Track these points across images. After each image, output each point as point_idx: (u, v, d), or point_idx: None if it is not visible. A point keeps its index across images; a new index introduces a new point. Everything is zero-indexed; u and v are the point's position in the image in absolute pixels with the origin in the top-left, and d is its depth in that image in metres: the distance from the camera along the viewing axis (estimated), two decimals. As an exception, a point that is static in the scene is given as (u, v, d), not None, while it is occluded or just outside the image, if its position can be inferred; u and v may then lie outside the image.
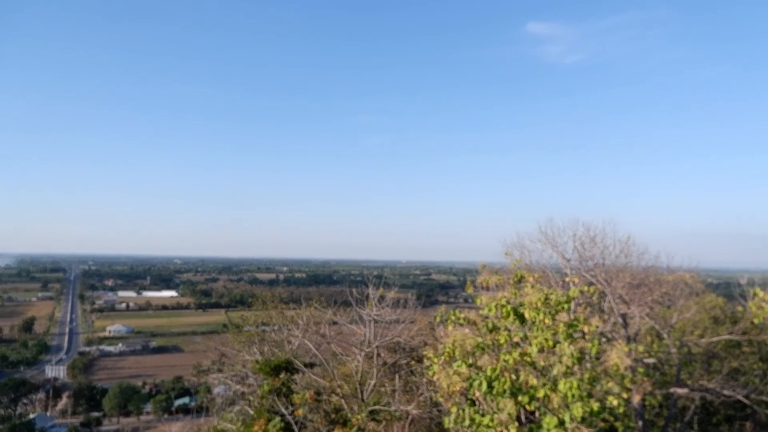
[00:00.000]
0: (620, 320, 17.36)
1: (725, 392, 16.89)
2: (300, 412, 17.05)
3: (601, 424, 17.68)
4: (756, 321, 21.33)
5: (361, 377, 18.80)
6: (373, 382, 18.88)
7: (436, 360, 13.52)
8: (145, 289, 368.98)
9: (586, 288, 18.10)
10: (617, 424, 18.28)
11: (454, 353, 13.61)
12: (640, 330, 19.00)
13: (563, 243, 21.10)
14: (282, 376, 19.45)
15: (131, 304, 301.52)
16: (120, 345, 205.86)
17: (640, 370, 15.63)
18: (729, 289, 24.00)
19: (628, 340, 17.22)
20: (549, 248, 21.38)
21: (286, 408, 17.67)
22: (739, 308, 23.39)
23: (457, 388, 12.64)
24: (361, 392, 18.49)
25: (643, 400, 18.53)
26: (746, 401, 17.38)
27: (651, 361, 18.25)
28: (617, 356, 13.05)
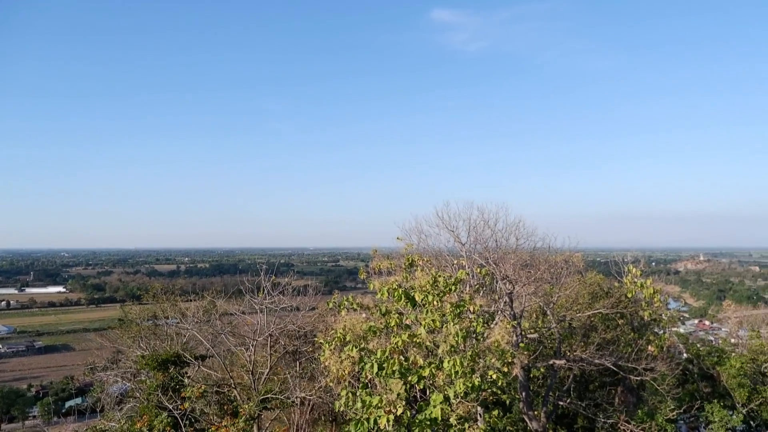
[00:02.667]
0: (507, 299, 18.26)
1: (597, 361, 18.37)
2: (186, 405, 16.36)
3: (490, 398, 18.67)
4: (629, 295, 23.43)
5: (254, 367, 18.37)
6: (266, 371, 18.52)
7: (327, 345, 13.52)
8: (28, 285, 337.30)
9: (477, 270, 18.95)
10: (504, 396, 19.45)
11: (345, 338, 13.70)
12: (525, 308, 20.17)
13: (458, 227, 21.75)
14: (171, 370, 18.57)
15: (12, 302, 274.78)
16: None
17: (522, 345, 16.63)
18: (614, 266, 25.96)
19: (514, 317, 18.19)
20: (445, 232, 21.96)
21: (175, 403, 16.89)
22: (615, 284, 25.62)
23: (347, 371, 12.70)
24: (254, 382, 18.08)
25: (528, 372, 19.76)
26: (614, 368, 19.02)
27: (534, 336, 19.42)
28: (499, 333, 13.77)
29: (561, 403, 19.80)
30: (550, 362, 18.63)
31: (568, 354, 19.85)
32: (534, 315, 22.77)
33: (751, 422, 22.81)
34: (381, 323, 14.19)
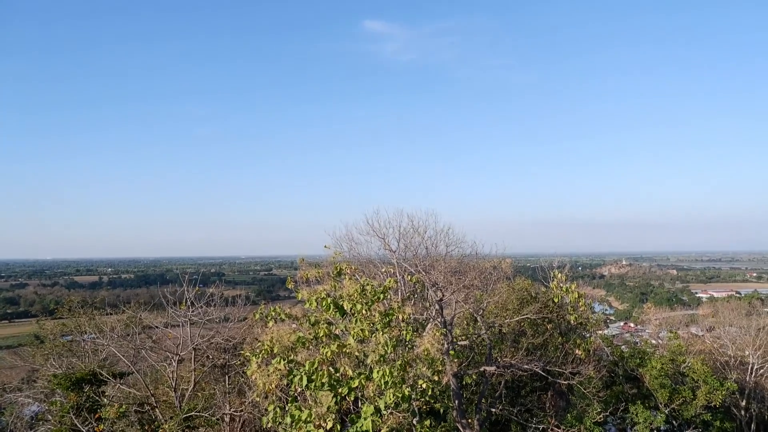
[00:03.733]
0: (437, 306, 18.25)
1: (526, 366, 18.67)
2: (101, 427, 15.21)
3: (423, 407, 18.53)
4: (555, 300, 24.10)
5: (177, 383, 17.38)
6: (191, 387, 17.56)
7: (254, 358, 12.92)
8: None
9: (408, 277, 18.87)
10: (437, 405, 19.38)
11: (272, 350, 13.15)
12: (456, 315, 20.27)
13: (389, 234, 21.62)
14: (86, 389, 17.27)
15: None
16: None
17: (452, 353, 16.63)
18: (541, 272, 26.53)
19: (445, 324, 18.20)
20: (376, 239, 21.78)
21: (90, 425, 15.68)
22: (543, 289, 26.32)
23: (274, 385, 12.16)
24: (178, 399, 17.09)
25: (460, 379, 19.82)
26: (542, 373, 19.40)
27: (465, 343, 19.52)
28: (428, 341, 13.65)
29: (493, 409, 19.98)
30: (482, 369, 18.76)
31: (499, 360, 20.07)
32: (465, 322, 22.95)
33: (674, 422, 23.90)
34: (310, 334, 13.79)
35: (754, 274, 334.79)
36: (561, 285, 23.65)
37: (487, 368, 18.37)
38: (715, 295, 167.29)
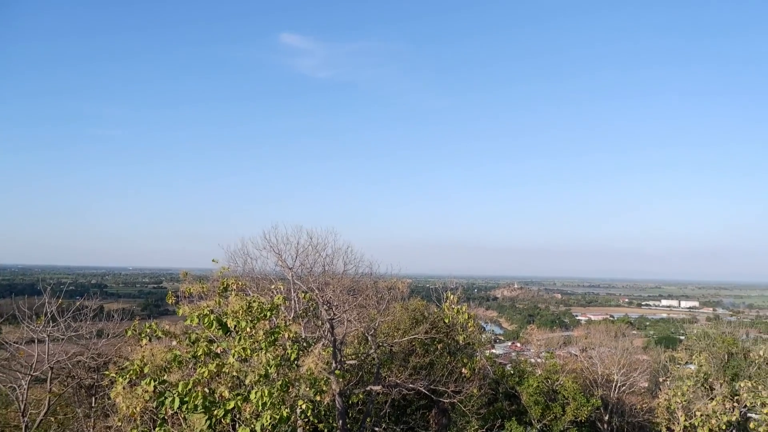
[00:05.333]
0: (327, 325, 18.15)
1: (411, 385, 19.03)
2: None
3: (306, 427, 18.21)
4: (446, 321, 24.93)
5: (26, 407, 15.69)
6: (43, 411, 15.95)
7: (120, 379, 12.01)
8: None
9: (302, 295, 18.61)
10: (321, 425, 19.16)
11: (143, 370, 12.32)
12: (347, 333, 20.28)
13: (286, 250, 21.25)
14: None
15: None
16: None
17: (337, 372, 16.56)
18: (435, 293, 27.26)
19: (334, 343, 18.12)
20: (273, 255, 21.32)
21: None
22: (435, 309, 27.11)
23: (138, 409, 11.35)
24: (24, 424, 15.42)
25: (347, 398, 19.76)
26: (425, 391, 19.88)
27: (353, 362, 19.54)
28: (312, 361, 13.48)
29: (377, 429, 20.09)
30: (368, 388, 18.84)
31: (387, 379, 20.29)
32: (357, 341, 23.02)
33: (544, 436, 25.39)
34: (188, 352, 13.10)
35: (626, 300, 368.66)
36: (452, 306, 24.59)
37: (374, 387, 18.48)
38: (593, 318, 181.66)
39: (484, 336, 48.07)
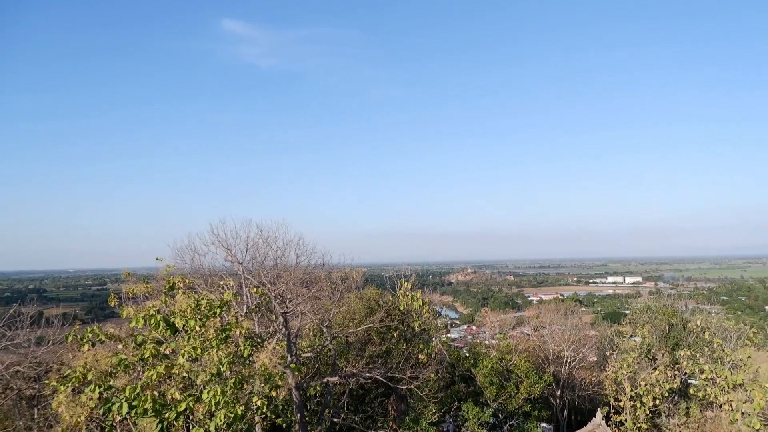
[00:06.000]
0: (281, 319, 17.89)
1: (368, 374, 19.06)
2: None
3: (263, 423, 17.96)
4: (401, 308, 25.06)
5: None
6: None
7: (62, 388, 11.44)
8: None
9: (254, 290, 18.24)
10: (278, 420, 18.94)
11: (86, 377, 11.77)
12: (302, 326, 20.07)
13: (236, 245, 20.77)
14: None
15: None
16: None
17: (293, 366, 16.37)
18: (389, 281, 27.25)
19: (289, 337, 17.90)
20: (222, 250, 20.80)
21: None
22: (390, 297, 27.21)
23: (83, 417, 10.87)
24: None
25: (305, 392, 19.61)
26: (382, 379, 19.96)
27: (309, 355, 19.38)
28: (266, 356, 13.25)
29: (336, 419, 20.06)
30: (325, 380, 18.75)
31: (345, 369, 20.25)
32: (312, 333, 22.85)
33: (499, 415, 26.03)
34: (135, 356, 12.62)
35: (575, 279, 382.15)
36: (407, 293, 24.72)
37: (331, 379, 18.40)
38: (544, 297, 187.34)
39: (439, 321, 48.80)
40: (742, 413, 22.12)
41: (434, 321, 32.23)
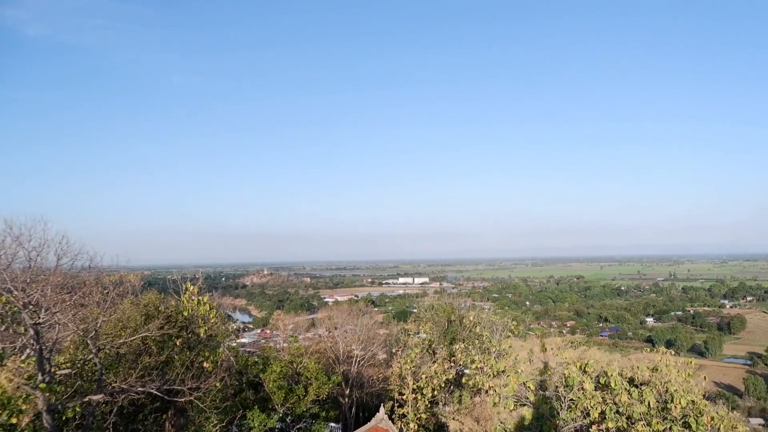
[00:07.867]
0: (32, 332, 15.14)
1: (141, 389, 17.22)
2: None
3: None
4: (185, 314, 23.25)
5: None
6: None
7: None
8: None
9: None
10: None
11: None
12: (60, 339, 17.28)
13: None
14: None
15: None
16: None
17: (42, 386, 13.92)
18: (173, 285, 25.01)
19: (41, 352, 15.20)
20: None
21: None
22: (173, 302, 25.08)
23: None
24: None
25: (60, 415, 16.87)
26: (158, 393, 18.25)
27: (67, 371, 16.80)
28: (5, 377, 11.01)
29: (100, 443, 17.67)
30: (87, 398, 16.36)
31: (113, 385, 17.96)
32: (74, 346, 19.92)
33: (287, 419, 25.85)
34: None
35: (369, 280, 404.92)
36: (193, 297, 23.01)
37: (93, 397, 16.14)
38: (339, 299, 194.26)
39: (231, 326, 46.88)
40: (500, 396, 25.40)
41: (223, 326, 30.79)
